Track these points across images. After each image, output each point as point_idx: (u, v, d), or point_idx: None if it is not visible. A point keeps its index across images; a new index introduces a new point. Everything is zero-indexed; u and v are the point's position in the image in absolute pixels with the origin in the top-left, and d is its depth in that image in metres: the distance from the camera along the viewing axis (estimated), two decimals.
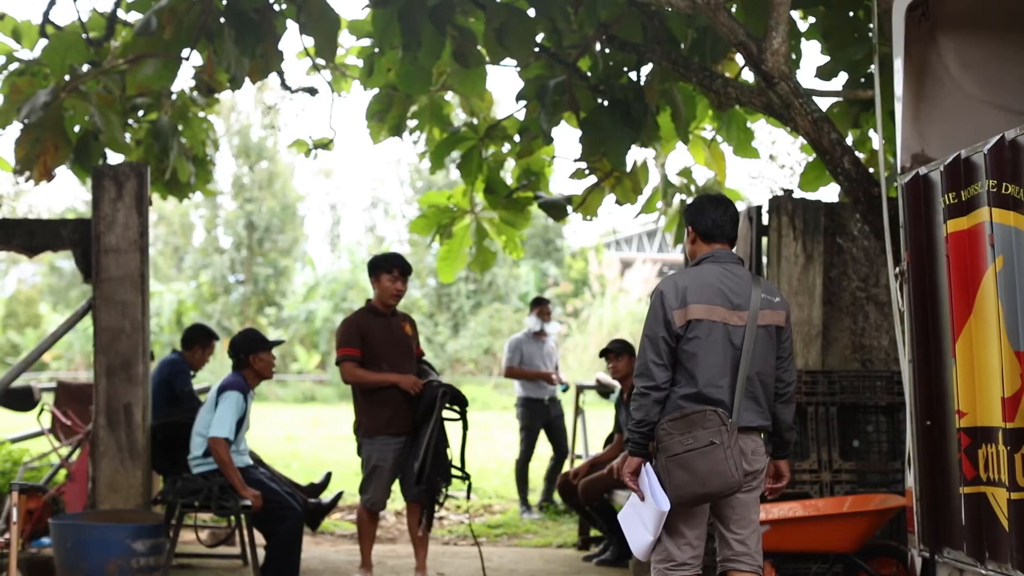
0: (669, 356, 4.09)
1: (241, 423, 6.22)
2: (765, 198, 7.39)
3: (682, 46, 6.55)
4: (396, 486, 6.47)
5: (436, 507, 6.44)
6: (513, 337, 9.88)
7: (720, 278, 4.16)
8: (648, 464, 4.13)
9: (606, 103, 6.70)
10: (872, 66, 5.85)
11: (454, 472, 6.35)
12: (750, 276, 4.23)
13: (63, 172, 7.17)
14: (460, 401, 6.37)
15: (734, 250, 4.34)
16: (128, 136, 7.27)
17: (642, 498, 4.13)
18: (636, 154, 7.65)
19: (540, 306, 9.72)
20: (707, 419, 3.98)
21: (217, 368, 23.57)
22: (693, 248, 4.34)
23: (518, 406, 9.57)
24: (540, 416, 9.35)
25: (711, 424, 3.97)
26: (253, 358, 6.35)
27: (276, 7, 6.19)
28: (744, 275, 4.21)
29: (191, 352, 7.19)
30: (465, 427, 6.40)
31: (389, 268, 6.51)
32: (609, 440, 7.85)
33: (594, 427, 10.26)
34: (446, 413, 6.35)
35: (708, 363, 4.07)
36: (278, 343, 6.69)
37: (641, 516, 4.15)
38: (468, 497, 6.78)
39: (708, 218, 4.27)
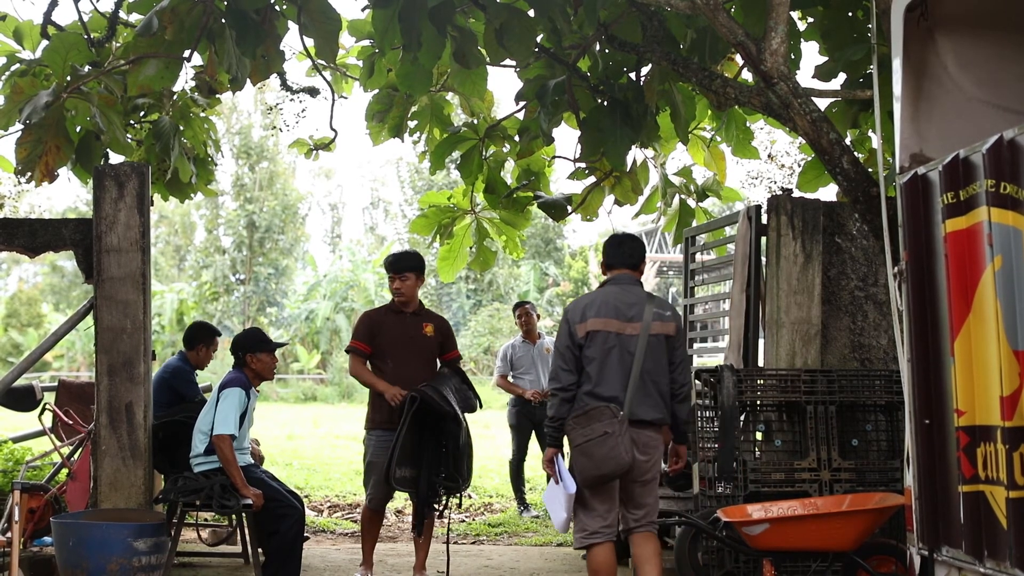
0: (574, 363, 5.07)
1: (243, 419, 6.24)
2: (764, 198, 7.40)
3: (681, 46, 6.56)
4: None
5: (435, 512, 6.39)
6: (505, 344, 9.91)
7: (616, 297, 5.15)
8: (560, 454, 5.13)
9: (606, 103, 6.71)
10: (871, 66, 5.87)
11: (447, 482, 6.28)
12: (646, 295, 5.20)
13: (64, 172, 7.18)
14: (436, 409, 6.17)
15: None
16: (129, 136, 7.27)
17: (557, 482, 5.10)
18: (636, 154, 7.67)
19: (518, 309, 9.79)
20: (602, 414, 4.91)
21: (218, 367, 23.62)
22: (604, 274, 5.40)
23: (508, 405, 9.61)
24: (527, 416, 9.38)
25: (605, 417, 4.90)
26: (251, 358, 6.37)
27: (277, 8, 6.19)
28: (640, 294, 5.20)
29: (195, 352, 7.20)
30: (456, 437, 6.25)
31: (390, 271, 6.61)
32: None
33: None
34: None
35: (605, 366, 5.02)
36: (280, 345, 6.70)
37: (557, 497, 5.09)
38: (457, 506, 6.61)
39: (607, 253, 5.36)
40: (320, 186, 51.14)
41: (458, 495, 6.44)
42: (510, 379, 9.64)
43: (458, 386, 6.47)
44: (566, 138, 37.39)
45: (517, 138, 7.51)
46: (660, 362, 5.09)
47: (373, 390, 6.42)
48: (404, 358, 6.46)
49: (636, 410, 4.99)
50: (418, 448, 6.24)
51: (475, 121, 7.82)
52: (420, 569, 6.51)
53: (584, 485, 4.98)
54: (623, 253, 5.32)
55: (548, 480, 5.31)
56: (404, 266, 6.54)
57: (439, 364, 6.66)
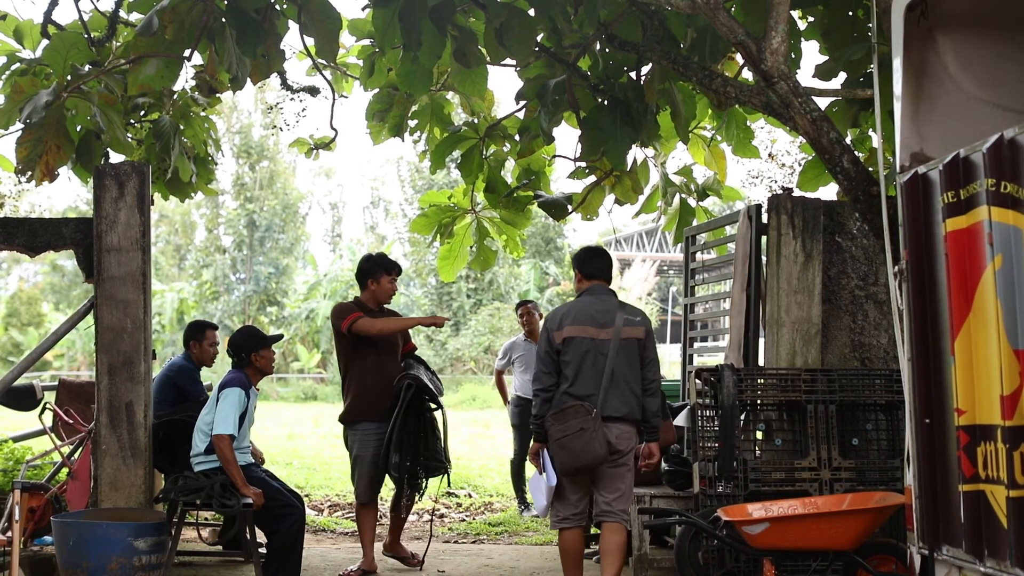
0: (552, 366, 5.62)
1: (243, 419, 6.25)
2: (764, 197, 7.40)
3: (682, 46, 6.56)
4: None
5: (416, 492, 6.68)
6: (508, 340, 9.90)
7: (591, 305, 5.67)
8: (546, 449, 5.63)
9: (606, 102, 6.71)
10: (871, 65, 5.86)
11: (431, 462, 6.60)
12: (617, 303, 5.71)
13: (65, 172, 7.18)
14: (429, 392, 6.59)
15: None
16: (130, 136, 7.27)
17: (541, 473, 5.65)
18: (636, 153, 7.67)
19: (521, 308, 9.81)
20: (576, 412, 5.46)
21: (218, 367, 23.61)
22: (579, 285, 5.87)
23: (510, 405, 9.59)
24: (530, 415, 9.34)
25: (580, 414, 5.45)
26: (255, 356, 6.41)
27: (277, 7, 6.19)
28: (612, 302, 5.71)
29: (190, 349, 7.21)
30: (444, 417, 6.67)
31: (390, 270, 6.75)
32: None
33: None
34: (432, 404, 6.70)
35: (580, 368, 5.54)
36: (277, 338, 6.74)
37: (540, 487, 5.66)
38: (448, 484, 7.18)
39: (586, 264, 5.82)
40: (320, 185, 51.18)
41: (445, 474, 6.78)
42: (507, 377, 9.62)
43: (428, 373, 6.80)
44: (566, 137, 37.42)
45: (517, 137, 7.50)
46: (632, 363, 5.61)
47: (407, 326, 6.95)
48: (384, 351, 6.76)
49: (608, 407, 5.51)
50: (408, 435, 6.55)
51: (475, 120, 7.82)
52: (392, 546, 6.71)
53: (563, 475, 5.56)
54: (601, 266, 5.84)
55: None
56: (400, 269, 7.05)
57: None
